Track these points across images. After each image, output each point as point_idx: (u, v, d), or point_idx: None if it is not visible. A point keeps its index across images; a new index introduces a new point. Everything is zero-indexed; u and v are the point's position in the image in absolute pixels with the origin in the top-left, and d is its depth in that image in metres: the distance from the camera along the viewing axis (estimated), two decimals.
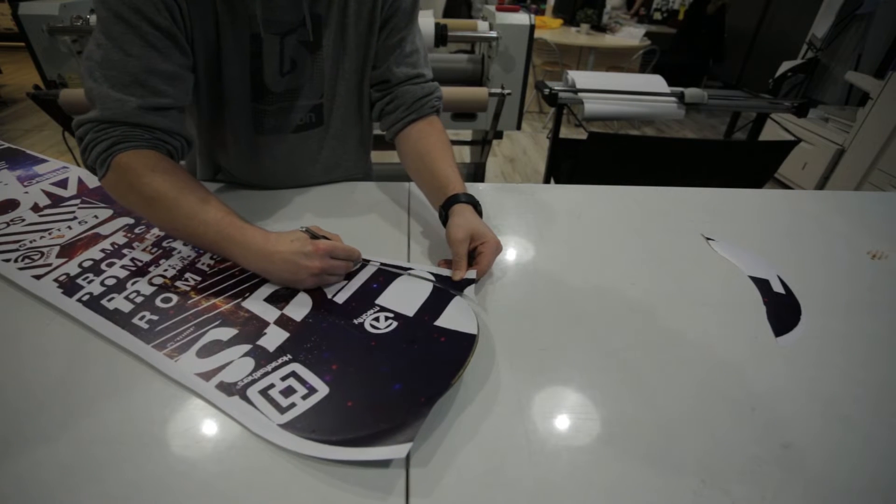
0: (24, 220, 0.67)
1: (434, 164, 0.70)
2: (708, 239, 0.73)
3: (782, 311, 0.59)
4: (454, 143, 2.11)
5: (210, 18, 0.62)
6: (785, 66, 3.09)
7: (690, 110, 1.52)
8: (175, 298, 0.54)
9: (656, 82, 1.59)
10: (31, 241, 0.63)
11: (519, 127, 1.66)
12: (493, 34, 1.52)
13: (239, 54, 0.66)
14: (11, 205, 0.71)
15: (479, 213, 0.65)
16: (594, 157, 1.50)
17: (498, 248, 0.61)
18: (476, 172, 1.76)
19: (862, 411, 0.46)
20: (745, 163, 1.56)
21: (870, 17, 2.79)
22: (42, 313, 0.52)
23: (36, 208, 0.70)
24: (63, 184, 0.77)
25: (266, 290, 0.56)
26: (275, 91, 0.70)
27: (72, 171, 0.80)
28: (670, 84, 1.58)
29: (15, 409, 0.42)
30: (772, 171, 1.61)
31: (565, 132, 1.63)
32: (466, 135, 2.08)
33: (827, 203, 0.88)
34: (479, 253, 0.60)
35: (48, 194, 0.74)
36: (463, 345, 0.48)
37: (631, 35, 3.84)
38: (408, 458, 0.39)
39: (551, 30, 4.02)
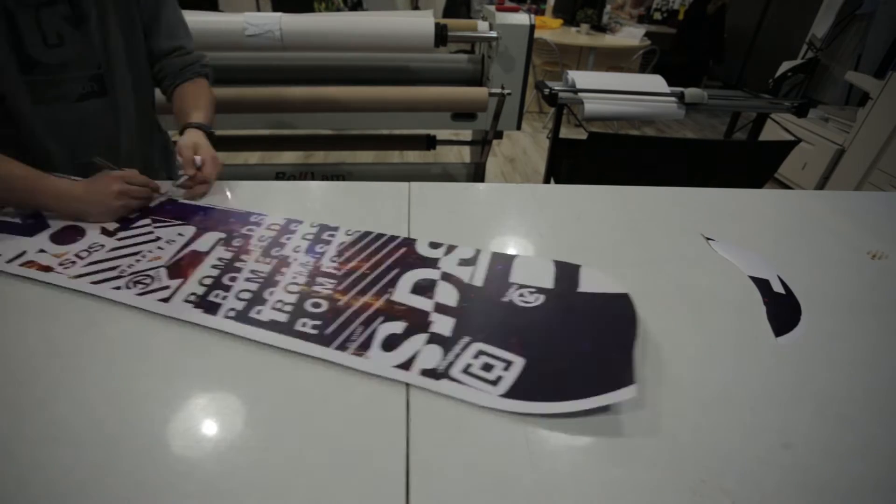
0: (103, 246, 0.63)
1: (184, 104, 0.84)
2: (708, 239, 0.73)
3: (782, 311, 0.59)
4: (454, 143, 2.11)
5: None
6: (785, 66, 3.09)
7: (690, 110, 1.52)
8: (324, 303, 0.55)
9: (656, 82, 1.59)
10: (128, 266, 0.59)
11: (519, 127, 1.66)
12: (493, 34, 1.51)
13: None
14: (78, 232, 0.66)
15: (211, 137, 0.80)
16: (594, 157, 1.50)
17: (216, 160, 0.76)
18: (476, 172, 1.76)
19: (862, 411, 0.47)
20: (745, 163, 1.56)
21: (870, 17, 2.79)
22: (41, 315, 0.52)
23: (106, 232, 0.66)
24: None
25: (406, 284, 0.58)
26: (46, 63, 0.72)
27: None
28: (670, 84, 1.58)
29: (15, 410, 0.42)
30: (772, 171, 1.61)
31: (565, 132, 1.63)
32: (466, 135, 2.07)
33: (827, 203, 0.88)
34: (203, 161, 0.75)
35: None
36: (620, 302, 0.54)
37: (631, 35, 3.84)
38: (407, 459, 0.39)
39: (551, 30, 4.02)
